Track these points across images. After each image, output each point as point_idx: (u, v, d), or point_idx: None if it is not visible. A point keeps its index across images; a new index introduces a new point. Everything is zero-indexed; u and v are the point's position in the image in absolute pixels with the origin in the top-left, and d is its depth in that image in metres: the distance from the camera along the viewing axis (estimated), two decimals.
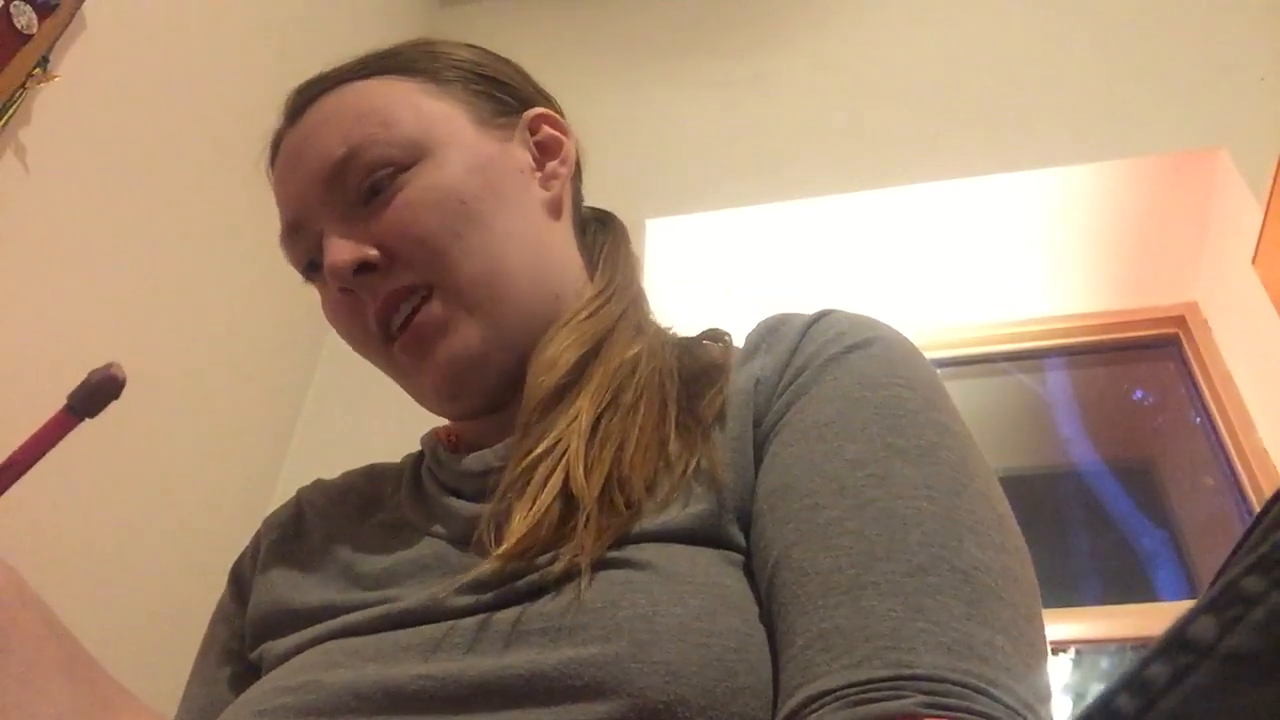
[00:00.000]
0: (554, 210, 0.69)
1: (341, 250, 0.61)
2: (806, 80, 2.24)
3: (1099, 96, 1.99)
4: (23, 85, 1.32)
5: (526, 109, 0.71)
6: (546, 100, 0.74)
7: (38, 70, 1.34)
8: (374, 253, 0.61)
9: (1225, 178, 1.87)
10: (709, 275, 2.18)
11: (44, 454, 0.61)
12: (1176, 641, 0.23)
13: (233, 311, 1.80)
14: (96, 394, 0.61)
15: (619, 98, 2.33)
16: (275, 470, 1.92)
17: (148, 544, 1.54)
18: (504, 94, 0.70)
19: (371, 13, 2.40)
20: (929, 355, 2.06)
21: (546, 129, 0.71)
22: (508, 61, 0.74)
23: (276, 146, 0.70)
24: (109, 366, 0.61)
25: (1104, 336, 2.18)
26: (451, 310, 0.62)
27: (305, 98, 0.68)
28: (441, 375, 0.62)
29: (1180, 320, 2.11)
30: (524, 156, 0.69)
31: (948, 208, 2.04)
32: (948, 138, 2.03)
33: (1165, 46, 2.01)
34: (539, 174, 0.69)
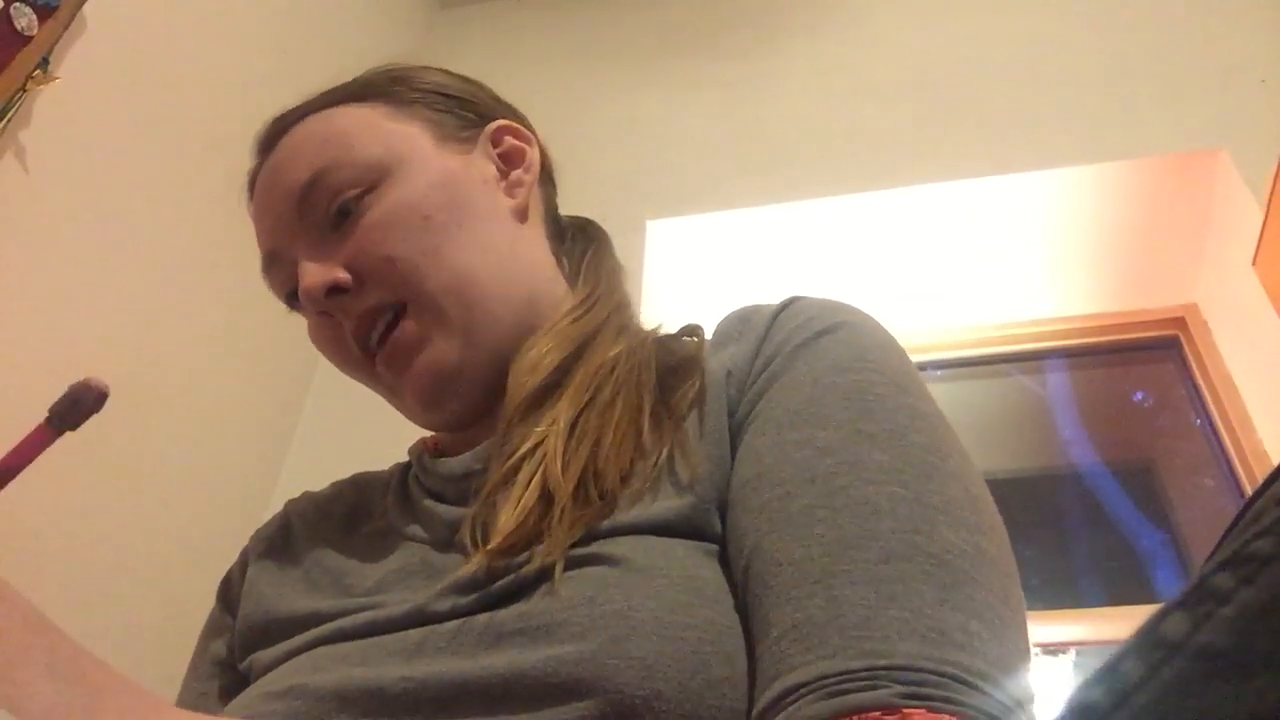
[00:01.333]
0: (520, 216, 0.70)
1: (313, 274, 0.63)
2: (806, 82, 2.24)
3: (1099, 98, 1.99)
4: (23, 87, 1.32)
5: (489, 123, 0.72)
6: (511, 113, 0.75)
7: (38, 72, 1.34)
8: (344, 275, 0.63)
9: (1226, 179, 1.87)
10: (709, 277, 2.19)
11: (25, 466, 0.61)
12: (1149, 638, 0.23)
13: (232, 315, 1.81)
14: (77, 406, 0.62)
15: (619, 99, 2.34)
16: (273, 479, 1.92)
17: (145, 552, 1.55)
18: (465, 110, 0.71)
19: (372, 14, 2.40)
20: (930, 356, 2.06)
21: (509, 139, 0.72)
22: (470, 80, 0.75)
23: (252, 183, 0.71)
24: (89, 379, 0.62)
25: (1104, 338, 2.18)
26: (426, 325, 0.63)
27: (274, 132, 0.70)
28: (421, 387, 0.63)
29: (1180, 322, 2.11)
30: (487, 168, 0.70)
31: (948, 209, 2.04)
32: (948, 139, 2.03)
33: (1166, 48, 2.01)
34: (503, 183, 0.70)
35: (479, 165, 0.69)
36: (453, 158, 0.68)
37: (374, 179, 0.64)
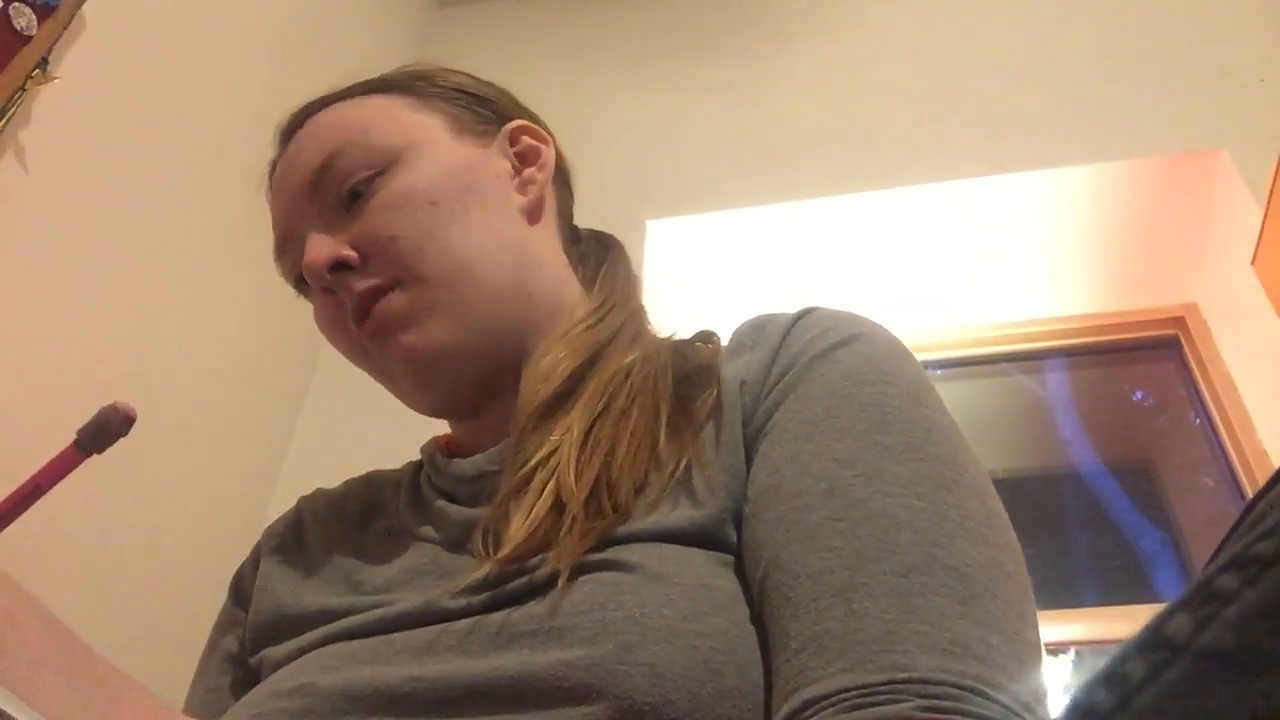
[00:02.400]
0: (532, 215, 0.70)
1: (317, 248, 0.63)
2: (807, 81, 2.24)
3: (1099, 98, 1.99)
4: (22, 87, 1.32)
5: (507, 122, 0.72)
6: (530, 116, 0.75)
7: (37, 72, 1.34)
8: (350, 252, 0.63)
9: (1225, 179, 1.87)
10: (709, 277, 2.18)
11: (50, 488, 0.62)
12: (1152, 638, 0.23)
13: (231, 315, 1.81)
14: (105, 431, 0.62)
15: (619, 99, 2.34)
16: (273, 479, 1.92)
17: (146, 551, 1.55)
18: (484, 109, 0.72)
19: (371, 13, 2.40)
20: (930, 356, 2.06)
21: (526, 139, 0.72)
22: (491, 84, 0.76)
23: (272, 172, 0.72)
24: (117, 403, 0.62)
25: (1104, 337, 2.18)
26: (414, 304, 0.62)
27: (295, 122, 0.71)
28: (410, 367, 0.63)
29: (1180, 321, 2.11)
30: (502, 164, 0.70)
31: (948, 209, 2.04)
32: (948, 139, 2.03)
33: (1165, 48, 2.01)
34: (516, 180, 0.70)
35: (493, 160, 0.69)
36: (467, 149, 0.68)
37: (386, 163, 0.64)
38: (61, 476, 0.61)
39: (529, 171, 0.71)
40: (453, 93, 0.71)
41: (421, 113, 0.68)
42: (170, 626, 1.50)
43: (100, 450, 0.62)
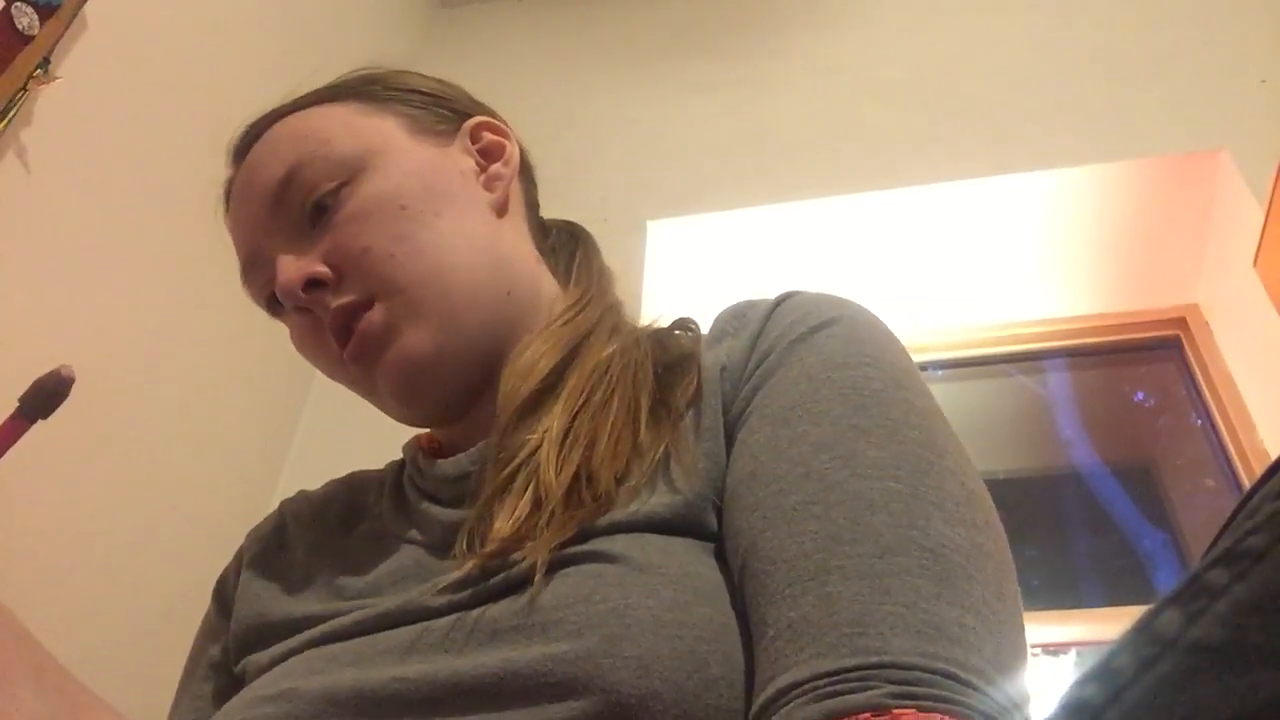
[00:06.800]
0: (499, 210, 0.69)
1: (289, 269, 0.62)
2: (808, 82, 2.24)
3: (1100, 98, 1.99)
4: (24, 87, 1.32)
5: (465, 120, 0.71)
6: (488, 111, 0.74)
7: (39, 72, 1.34)
8: (323, 269, 0.62)
9: (1226, 179, 1.87)
10: (709, 277, 2.18)
11: None
12: (1143, 633, 0.23)
13: (232, 314, 1.80)
14: (48, 397, 0.62)
15: (620, 99, 2.34)
16: (273, 478, 1.92)
17: (146, 552, 1.55)
18: (442, 108, 0.71)
19: (372, 14, 2.40)
20: (930, 356, 2.05)
21: (488, 135, 0.71)
22: (446, 82, 0.75)
23: (228, 193, 0.70)
24: (58, 368, 0.63)
25: (1105, 338, 2.18)
26: (395, 315, 0.61)
27: (248, 139, 0.69)
28: (394, 379, 0.61)
29: (1181, 322, 2.11)
30: (465, 161, 0.69)
31: (949, 209, 2.04)
32: (949, 139, 2.03)
33: (1166, 49, 2.01)
34: (482, 176, 0.69)
35: (456, 158, 0.68)
36: (429, 149, 0.67)
37: (349, 173, 0.63)
38: (7, 446, 0.61)
39: (494, 167, 0.70)
40: (407, 94, 0.70)
41: (378, 118, 0.67)
42: (172, 628, 1.50)
43: (45, 416, 0.62)
